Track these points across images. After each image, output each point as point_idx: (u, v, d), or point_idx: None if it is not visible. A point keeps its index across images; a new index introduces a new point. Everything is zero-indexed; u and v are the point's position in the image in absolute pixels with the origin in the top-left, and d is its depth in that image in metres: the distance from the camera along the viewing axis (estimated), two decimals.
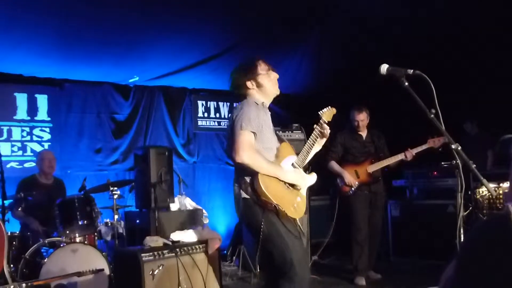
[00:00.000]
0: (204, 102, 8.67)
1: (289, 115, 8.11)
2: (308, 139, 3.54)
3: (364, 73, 5.69)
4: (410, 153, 5.62)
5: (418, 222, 6.70)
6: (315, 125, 3.55)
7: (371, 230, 5.83)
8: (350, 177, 5.74)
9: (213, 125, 8.72)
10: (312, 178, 3.54)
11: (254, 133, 3.18)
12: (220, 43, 6.66)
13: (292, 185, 3.32)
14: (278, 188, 3.21)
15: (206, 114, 8.67)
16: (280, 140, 3.51)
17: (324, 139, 3.60)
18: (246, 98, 3.42)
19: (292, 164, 3.38)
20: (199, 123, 8.57)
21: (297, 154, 3.51)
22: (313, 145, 3.51)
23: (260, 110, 3.30)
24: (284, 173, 3.25)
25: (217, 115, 8.77)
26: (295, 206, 3.28)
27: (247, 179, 3.20)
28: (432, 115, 2.75)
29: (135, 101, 7.96)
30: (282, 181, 3.25)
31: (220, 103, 8.84)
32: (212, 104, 8.75)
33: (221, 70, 7.16)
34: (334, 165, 5.86)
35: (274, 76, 3.43)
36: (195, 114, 8.53)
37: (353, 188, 5.75)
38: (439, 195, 6.56)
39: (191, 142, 8.39)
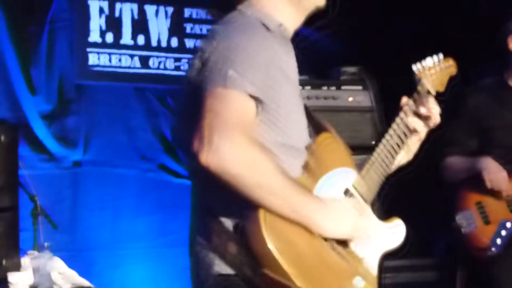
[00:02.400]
0: (105, 4, 5.47)
1: (339, 47, 5.88)
2: (390, 121, 2.33)
3: None
4: None
5: None
6: (404, 99, 2.32)
7: None
8: (501, 171, 3.91)
9: (129, 66, 5.55)
10: (396, 232, 2.37)
11: (256, 99, 1.99)
12: None
13: (343, 243, 2.16)
14: (309, 250, 2.08)
15: (109, 37, 5.49)
16: (317, 126, 2.31)
17: (419, 137, 2.38)
18: (239, 8, 2.19)
19: (346, 192, 2.19)
20: (92, 59, 5.42)
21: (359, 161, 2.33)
22: (398, 146, 2.32)
23: (278, 46, 2.12)
24: (322, 210, 2.06)
25: (140, 39, 5.55)
26: None
27: (226, 219, 2.06)
28: None
29: None
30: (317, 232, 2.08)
31: (150, 8, 5.59)
32: (126, 10, 5.53)
33: None
34: (457, 160, 4.11)
35: None
36: (81, 37, 5.41)
37: (500, 238, 3.85)
38: None
39: (70, 109, 5.45)
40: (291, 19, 2.25)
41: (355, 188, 2.27)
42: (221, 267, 2.13)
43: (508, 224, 3.91)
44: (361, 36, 5.72)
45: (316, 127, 2.33)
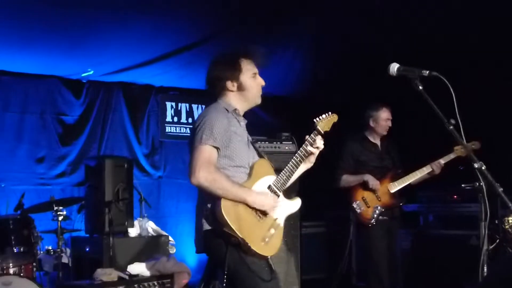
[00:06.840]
0: (173, 104, 8.64)
1: (279, 122, 8.22)
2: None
3: (370, 73, 5.89)
4: (439, 165, 5.54)
5: (433, 256, 6.64)
6: (306, 136, 3.51)
7: (390, 264, 5.73)
8: (375, 180, 5.58)
9: (184, 132, 8.61)
10: (294, 204, 3.56)
11: (217, 148, 3.23)
12: (195, 32, 6.55)
13: (265, 213, 3.33)
14: (245, 217, 3.23)
15: (176, 119, 8.63)
16: (260, 156, 3.53)
17: (314, 156, 3.57)
18: (217, 100, 3.47)
19: (269, 187, 3.39)
20: (167, 129, 8.53)
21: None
22: (300, 162, 3.48)
23: (231, 119, 3.37)
24: (254, 197, 3.26)
25: (190, 120, 8.70)
26: (266, 241, 3.29)
27: (209, 205, 3.24)
28: (452, 126, 2.85)
29: (88, 100, 7.88)
30: (252, 207, 3.25)
31: (194, 106, 8.78)
32: (183, 107, 8.70)
33: (196, 65, 7.05)
34: (349, 176, 5.71)
35: (260, 81, 3.50)
36: (162, 118, 8.49)
37: (375, 214, 5.60)
38: (459, 224, 6.51)
39: (157, 152, 8.37)
40: (241, 107, 3.49)
41: (274, 185, 3.41)
42: (206, 226, 3.29)
43: (378, 207, 5.54)
44: (292, 115, 8.07)
45: (259, 155, 3.52)
